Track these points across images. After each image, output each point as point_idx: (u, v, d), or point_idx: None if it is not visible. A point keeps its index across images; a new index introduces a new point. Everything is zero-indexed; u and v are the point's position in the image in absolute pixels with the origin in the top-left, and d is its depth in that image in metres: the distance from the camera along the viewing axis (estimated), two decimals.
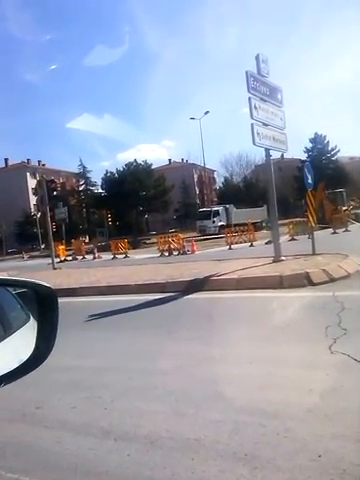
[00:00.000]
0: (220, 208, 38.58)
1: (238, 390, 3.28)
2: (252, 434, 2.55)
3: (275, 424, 2.62)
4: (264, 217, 33.97)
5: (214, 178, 73.06)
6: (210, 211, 37.89)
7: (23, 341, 1.27)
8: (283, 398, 3.02)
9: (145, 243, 36.17)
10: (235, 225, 25.46)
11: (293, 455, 2.28)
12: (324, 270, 7.64)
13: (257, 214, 33.17)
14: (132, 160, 51.63)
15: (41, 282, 1.30)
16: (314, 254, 10.09)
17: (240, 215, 33.86)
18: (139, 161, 51.32)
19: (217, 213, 37.09)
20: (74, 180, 64.11)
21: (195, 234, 34.91)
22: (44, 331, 1.26)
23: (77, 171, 62.05)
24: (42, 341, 1.24)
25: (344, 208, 26.70)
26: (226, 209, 37.74)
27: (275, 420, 2.68)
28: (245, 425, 2.67)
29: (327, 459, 2.20)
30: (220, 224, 35.50)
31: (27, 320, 1.37)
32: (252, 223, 22.93)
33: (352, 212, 26.73)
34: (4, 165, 65.83)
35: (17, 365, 1.18)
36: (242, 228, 22.44)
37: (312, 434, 2.46)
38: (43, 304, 1.28)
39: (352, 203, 33.45)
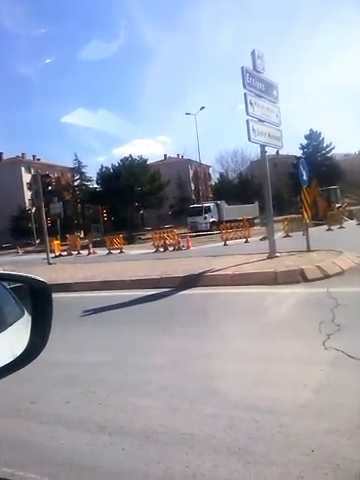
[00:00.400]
0: (211, 204, 38.35)
1: (232, 385, 3.29)
2: (246, 429, 2.56)
3: (269, 419, 2.64)
4: (255, 214, 34.19)
5: (209, 174, 72.95)
6: (201, 207, 37.61)
7: (17, 335, 1.26)
8: (277, 394, 3.03)
9: (140, 239, 36.18)
10: (226, 221, 25.46)
11: (286, 450, 2.29)
12: (318, 266, 7.69)
13: (248, 210, 33.25)
14: (127, 155, 51.46)
15: (36, 277, 1.29)
16: (309, 251, 10.13)
17: (231, 211, 33.96)
18: (134, 156, 51.12)
19: (208, 209, 36.83)
20: (69, 175, 63.79)
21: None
22: (38, 326, 1.25)
23: (72, 166, 61.77)
24: (36, 336, 1.24)
25: (338, 205, 26.79)
26: (217, 205, 37.59)
27: (269, 415, 2.69)
28: (239, 420, 2.68)
29: (320, 454, 2.21)
30: (211, 220, 35.45)
31: (21, 315, 1.36)
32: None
33: (346, 209, 26.83)
34: None
35: (11, 359, 1.17)
36: (237, 224, 22.52)
37: (306, 429, 2.48)
38: (37, 299, 1.27)
39: (346, 200, 33.59)
